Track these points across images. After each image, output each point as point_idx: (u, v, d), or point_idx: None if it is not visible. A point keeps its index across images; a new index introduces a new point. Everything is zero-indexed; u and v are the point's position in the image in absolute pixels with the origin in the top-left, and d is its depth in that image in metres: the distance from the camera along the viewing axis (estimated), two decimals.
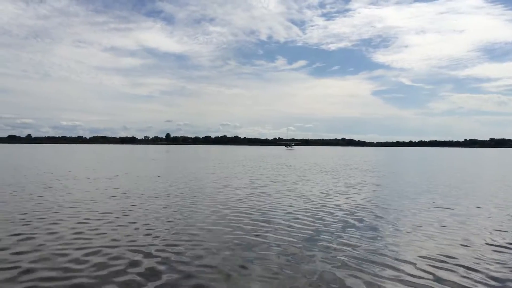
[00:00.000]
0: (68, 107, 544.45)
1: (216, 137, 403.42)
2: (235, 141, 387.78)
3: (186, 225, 12.73)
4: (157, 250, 9.72)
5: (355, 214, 15.09)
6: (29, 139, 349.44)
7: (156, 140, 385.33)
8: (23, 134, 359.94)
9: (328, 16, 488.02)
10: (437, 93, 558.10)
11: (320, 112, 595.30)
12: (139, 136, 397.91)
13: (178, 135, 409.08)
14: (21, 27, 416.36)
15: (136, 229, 12.07)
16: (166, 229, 12.10)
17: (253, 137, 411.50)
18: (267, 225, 12.90)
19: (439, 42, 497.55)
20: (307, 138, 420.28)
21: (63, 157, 69.76)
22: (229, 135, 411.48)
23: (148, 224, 12.73)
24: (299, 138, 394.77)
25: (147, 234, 11.38)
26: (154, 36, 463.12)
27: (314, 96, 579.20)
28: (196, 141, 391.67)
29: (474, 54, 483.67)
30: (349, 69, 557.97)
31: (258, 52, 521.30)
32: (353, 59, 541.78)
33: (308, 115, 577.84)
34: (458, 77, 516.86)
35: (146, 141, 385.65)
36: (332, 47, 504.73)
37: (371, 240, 10.98)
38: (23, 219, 13.36)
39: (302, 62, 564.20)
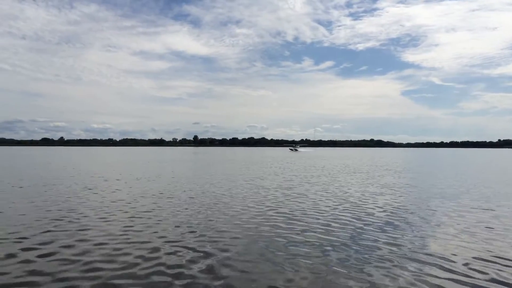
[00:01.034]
0: (99, 110, 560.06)
1: (243, 138, 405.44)
2: (262, 142, 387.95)
3: (225, 223, 13.05)
4: (201, 246, 10.07)
5: (396, 214, 14.99)
6: (61, 142, 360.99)
7: (184, 142, 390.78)
8: (56, 137, 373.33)
9: (355, 16, 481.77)
10: (469, 92, 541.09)
11: (348, 113, 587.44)
12: (168, 138, 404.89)
13: (206, 137, 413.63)
14: (53, 33, 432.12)
15: (177, 226, 12.48)
16: (208, 227, 12.45)
17: (280, 139, 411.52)
18: (307, 224, 13.05)
19: (471, 40, 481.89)
20: (334, 139, 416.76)
21: (98, 159, 71.82)
22: (256, 136, 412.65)
23: (191, 223, 13.13)
24: (326, 139, 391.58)
25: (191, 232, 11.76)
26: (181, 39, 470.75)
27: (342, 97, 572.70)
28: (223, 143, 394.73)
29: (507, 52, 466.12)
30: (377, 69, 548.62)
31: (284, 53, 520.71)
32: (381, 59, 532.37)
33: (335, 116, 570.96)
34: (491, 75, 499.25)
35: (174, 143, 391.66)
36: (360, 47, 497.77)
37: (418, 240, 10.94)
38: (77, 218, 14.05)
39: (329, 63, 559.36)
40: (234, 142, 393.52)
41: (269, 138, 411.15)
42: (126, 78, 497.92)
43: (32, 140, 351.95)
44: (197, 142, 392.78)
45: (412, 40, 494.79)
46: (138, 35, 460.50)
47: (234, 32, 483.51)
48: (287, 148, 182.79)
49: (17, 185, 24.39)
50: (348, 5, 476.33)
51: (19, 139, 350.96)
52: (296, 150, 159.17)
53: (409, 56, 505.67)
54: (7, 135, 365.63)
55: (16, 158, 72.40)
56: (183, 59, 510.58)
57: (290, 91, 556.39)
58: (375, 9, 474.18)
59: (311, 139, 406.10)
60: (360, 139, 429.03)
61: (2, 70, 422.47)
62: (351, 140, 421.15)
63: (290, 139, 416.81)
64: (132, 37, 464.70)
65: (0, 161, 60.43)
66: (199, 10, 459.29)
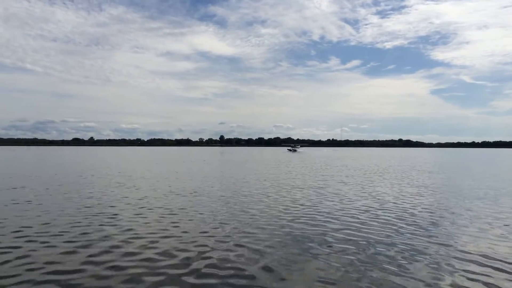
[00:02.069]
0: (127, 111, 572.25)
1: (269, 138, 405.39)
2: (288, 142, 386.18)
3: (267, 222, 13.25)
4: (248, 243, 10.31)
5: (437, 214, 14.81)
6: (91, 142, 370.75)
7: (210, 142, 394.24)
8: (86, 137, 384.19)
9: (382, 14, 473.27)
10: (501, 91, 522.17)
11: (376, 112, 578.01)
12: (194, 138, 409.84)
13: (232, 136, 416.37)
14: (83, 35, 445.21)
15: (222, 223, 12.76)
16: (251, 225, 12.70)
17: (306, 138, 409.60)
18: (348, 223, 13.08)
19: (503, 38, 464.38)
20: (362, 139, 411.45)
21: (128, 158, 73.62)
22: (282, 136, 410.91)
23: (225, 222, 13.40)
24: (353, 139, 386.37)
25: (238, 230, 12.03)
26: (207, 39, 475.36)
27: (369, 96, 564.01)
28: (249, 142, 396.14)
29: None
30: (405, 67, 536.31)
31: (310, 53, 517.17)
32: (409, 57, 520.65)
33: (363, 116, 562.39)
34: None
35: (200, 143, 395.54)
36: (387, 45, 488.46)
37: (464, 240, 10.83)
38: (115, 214, 14.58)
39: (356, 62, 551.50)
40: (260, 142, 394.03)
41: (295, 138, 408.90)
42: (153, 79, 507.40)
43: (63, 140, 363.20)
44: (223, 142, 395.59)
45: (442, 37, 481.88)
46: (165, 36, 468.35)
47: (260, 32, 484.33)
48: (285, 148, 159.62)
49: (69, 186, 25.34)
50: (376, 3, 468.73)
51: (50, 139, 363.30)
52: (295, 150, 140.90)
53: (439, 54, 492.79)
54: (40, 135, 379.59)
55: (67, 158, 75.00)
56: (209, 59, 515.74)
57: (316, 91, 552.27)
58: (403, 7, 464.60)
59: (338, 139, 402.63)
60: (388, 139, 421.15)
61: (34, 72, 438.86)
62: (378, 140, 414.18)
63: (316, 139, 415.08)
64: (159, 38, 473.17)
65: (63, 161, 62.71)
66: (225, 11, 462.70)
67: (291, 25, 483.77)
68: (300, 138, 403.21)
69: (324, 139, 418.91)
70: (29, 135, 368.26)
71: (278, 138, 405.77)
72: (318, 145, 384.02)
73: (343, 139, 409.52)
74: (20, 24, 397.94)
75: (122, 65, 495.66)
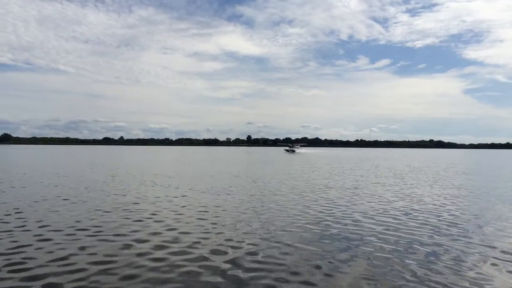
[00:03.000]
0: (156, 111, 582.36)
1: (296, 138, 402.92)
2: (316, 142, 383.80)
3: (301, 220, 13.50)
4: (276, 242, 10.58)
5: (475, 215, 14.67)
6: (121, 141, 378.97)
7: (237, 142, 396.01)
8: (116, 136, 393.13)
9: (413, 12, 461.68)
10: None
11: (406, 112, 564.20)
12: (221, 138, 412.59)
13: (259, 137, 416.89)
14: (113, 37, 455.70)
15: (260, 226, 13.10)
16: (287, 222, 12.98)
17: (334, 139, 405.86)
18: (383, 223, 13.16)
19: None
20: (391, 139, 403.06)
21: (158, 158, 75.13)
22: (309, 136, 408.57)
23: (267, 221, 13.72)
24: (383, 140, 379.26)
25: (281, 230, 12.34)
26: (235, 40, 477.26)
27: (399, 96, 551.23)
28: (276, 142, 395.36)
29: None
30: (436, 66, 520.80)
31: (338, 52, 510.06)
32: (441, 56, 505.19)
33: (392, 116, 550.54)
34: None
35: (228, 142, 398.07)
36: (418, 44, 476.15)
37: (507, 242, 10.75)
38: (155, 211, 15.17)
39: (385, 61, 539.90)
40: (287, 142, 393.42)
41: (322, 138, 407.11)
42: (181, 79, 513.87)
43: (94, 140, 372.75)
44: (250, 142, 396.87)
45: (475, 36, 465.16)
46: (193, 37, 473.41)
47: (287, 32, 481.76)
48: (283, 149, 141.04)
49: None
50: (406, 1, 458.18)
51: (82, 138, 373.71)
52: (293, 151, 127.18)
53: (471, 52, 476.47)
54: (72, 135, 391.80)
55: (110, 157, 77.48)
56: (237, 59, 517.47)
57: (344, 91, 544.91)
58: (434, 5, 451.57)
59: (366, 140, 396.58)
60: (418, 139, 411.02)
61: (67, 73, 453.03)
62: (409, 141, 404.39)
63: (344, 139, 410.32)
64: (186, 39, 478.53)
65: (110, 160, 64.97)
66: (252, 11, 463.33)
67: (319, 25, 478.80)
68: (328, 138, 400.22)
69: (352, 139, 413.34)
70: (62, 134, 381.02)
71: (305, 138, 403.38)
72: (346, 145, 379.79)
73: (372, 139, 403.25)
74: (53, 26, 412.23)
75: (151, 66, 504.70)
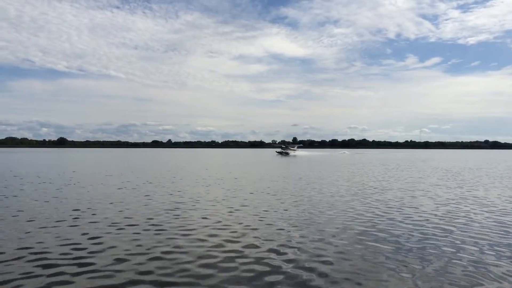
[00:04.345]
0: (203, 114, 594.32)
1: (343, 140, 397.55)
2: (363, 144, 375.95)
3: (363, 224, 13.40)
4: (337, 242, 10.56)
5: None
6: (169, 144, 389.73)
7: (283, 144, 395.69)
8: (164, 139, 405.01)
9: (464, 8, 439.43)
10: None
11: (458, 112, 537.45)
12: (267, 140, 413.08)
13: (305, 138, 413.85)
14: (161, 42, 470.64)
15: (318, 228, 13.15)
16: (345, 224, 12.95)
17: (382, 140, 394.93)
18: (445, 227, 12.80)
19: None
20: (443, 140, 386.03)
21: (207, 160, 76.78)
22: (356, 138, 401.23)
23: (324, 221, 13.75)
24: (434, 141, 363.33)
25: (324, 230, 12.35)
26: (279, 41, 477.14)
27: (451, 95, 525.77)
28: (322, 144, 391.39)
29: None
30: (491, 64, 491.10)
31: (386, 51, 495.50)
32: (495, 53, 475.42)
33: (444, 116, 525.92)
34: None
35: (273, 145, 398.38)
36: (470, 41, 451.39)
37: None
38: (212, 206, 15.60)
39: (435, 59, 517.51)
40: (333, 144, 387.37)
41: (370, 139, 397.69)
42: (227, 82, 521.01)
43: (143, 142, 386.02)
44: (296, 144, 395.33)
45: None
46: (237, 40, 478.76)
47: (332, 32, 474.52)
48: (292, 151, 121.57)
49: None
50: None
51: (132, 142, 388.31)
52: (287, 153, 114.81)
53: None
54: (123, 138, 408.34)
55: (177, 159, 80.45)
56: (281, 61, 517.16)
57: (392, 91, 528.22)
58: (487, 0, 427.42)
59: (417, 141, 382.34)
60: (472, 140, 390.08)
61: (117, 79, 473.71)
62: (462, 142, 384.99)
63: (393, 140, 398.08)
64: (231, 42, 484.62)
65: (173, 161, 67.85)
66: (297, 12, 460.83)
67: (365, 24, 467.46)
68: (376, 139, 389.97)
69: (401, 140, 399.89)
70: (114, 138, 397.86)
71: (352, 139, 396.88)
72: (395, 147, 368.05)
73: (422, 140, 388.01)
74: (104, 34, 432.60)
75: (197, 70, 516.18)
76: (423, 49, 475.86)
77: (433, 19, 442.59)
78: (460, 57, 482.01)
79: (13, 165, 51.22)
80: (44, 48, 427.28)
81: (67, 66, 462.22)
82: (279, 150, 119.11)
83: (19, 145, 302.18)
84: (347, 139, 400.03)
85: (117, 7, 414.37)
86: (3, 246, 10.00)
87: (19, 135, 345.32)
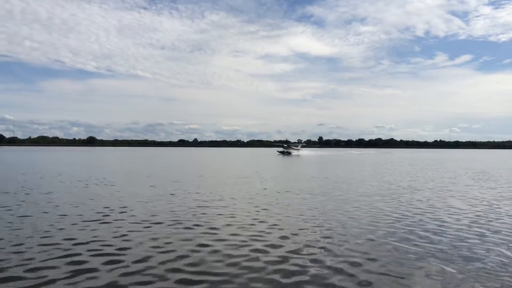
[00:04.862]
0: (228, 113, 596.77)
1: (370, 139, 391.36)
2: (391, 143, 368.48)
3: (406, 229, 13.12)
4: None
5: None
6: (195, 143, 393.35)
7: (309, 143, 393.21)
8: (190, 138, 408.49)
9: (496, 4, 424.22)
10: None
11: (490, 111, 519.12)
12: (293, 139, 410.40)
13: (331, 138, 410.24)
14: (187, 42, 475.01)
15: (367, 229, 12.96)
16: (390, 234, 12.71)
17: (410, 140, 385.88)
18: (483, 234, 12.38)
19: None
20: (474, 140, 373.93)
21: (234, 159, 77.17)
22: (383, 137, 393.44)
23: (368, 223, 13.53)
24: (464, 140, 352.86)
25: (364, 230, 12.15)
26: (305, 40, 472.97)
27: (482, 93, 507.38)
28: (349, 144, 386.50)
29: None
30: None
31: (414, 49, 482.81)
32: None
33: (475, 115, 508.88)
34: None
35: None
36: (503, 38, 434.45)
37: None
38: (259, 206, 15.65)
39: (466, 57, 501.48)
40: (360, 143, 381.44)
41: (398, 139, 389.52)
42: (252, 81, 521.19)
43: (170, 142, 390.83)
44: (322, 143, 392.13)
45: None
46: (263, 39, 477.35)
47: (359, 30, 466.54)
48: (295, 151, 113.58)
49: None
50: None
51: (159, 141, 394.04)
52: (289, 153, 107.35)
53: None
54: (150, 137, 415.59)
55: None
56: (307, 60, 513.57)
57: (421, 89, 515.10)
58: None
59: (446, 140, 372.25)
60: (504, 139, 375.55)
61: (145, 79, 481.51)
62: (493, 141, 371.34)
63: (421, 140, 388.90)
64: (256, 41, 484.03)
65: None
66: (322, 10, 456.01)
67: (393, 21, 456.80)
68: (404, 139, 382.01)
69: (430, 140, 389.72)
70: (141, 137, 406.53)
71: (379, 139, 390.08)
72: (424, 146, 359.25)
73: (452, 140, 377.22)
74: (131, 34, 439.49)
75: (223, 69, 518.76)
76: (453, 46, 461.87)
77: (463, 16, 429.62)
78: (492, 54, 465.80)
79: (47, 162, 53.05)
80: (74, 49, 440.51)
81: (96, 66, 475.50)
82: (280, 149, 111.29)
83: (50, 143, 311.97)
84: (374, 139, 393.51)
85: (145, 8, 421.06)
86: (34, 241, 10.35)
87: (50, 134, 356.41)
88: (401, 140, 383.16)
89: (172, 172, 37.83)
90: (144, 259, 8.91)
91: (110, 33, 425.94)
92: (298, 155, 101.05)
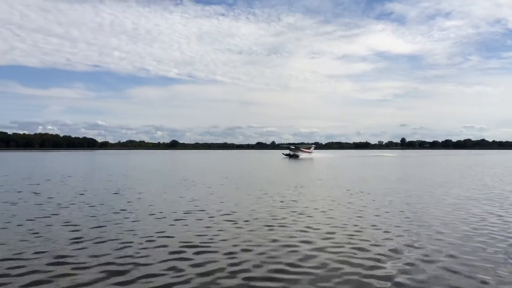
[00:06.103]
0: (306, 115, 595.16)
1: (458, 141, 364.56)
2: (482, 145, 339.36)
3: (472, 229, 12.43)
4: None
5: None
6: (273, 146, 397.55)
7: (390, 145, 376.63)
8: (268, 141, 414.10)
9: None
10: None
11: None
12: (373, 141, 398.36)
13: (414, 139, 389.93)
14: (263, 45, 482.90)
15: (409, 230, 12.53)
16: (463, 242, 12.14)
17: (504, 140, 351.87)
18: None
19: None
20: None
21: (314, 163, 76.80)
22: (473, 138, 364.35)
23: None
24: None
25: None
26: (384, 38, 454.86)
27: None
28: (434, 145, 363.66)
29: None
30: None
31: (506, 43, 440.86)
32: None
33: None
34: None
35: (380, 146, 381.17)
36: None
37: None
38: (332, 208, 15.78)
39: None
40: (447, 145, 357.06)
41: (490, 139, 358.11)
42: (330, 82, 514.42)
43: (248, 144, 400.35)
44: (404, 145, 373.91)
45: None
46: (340, 39, 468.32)
47: (444, 26, 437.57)
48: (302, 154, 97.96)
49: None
50: None
51: (238, 143, 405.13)
52: (296, 156, 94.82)
53: None
54: (229, 140, 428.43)
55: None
56: (387, 59, 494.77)
57: None
58: None
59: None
60: None
61: (224, 83, 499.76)
62: None
63: None
64: (333, 42, 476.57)
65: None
66: (403, 7, 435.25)
67: (481, 14, 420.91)
68: (497, 140, 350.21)
69: None
70: (221, 140, 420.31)
71: (469, 140, 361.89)
72: None
73: None
74: (211, 41, 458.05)
75: (299, 71, 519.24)
76: None
77: None
78: None
79: (141, 164, 57.65)
80: (158, 57, 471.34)
81: (178, 73, 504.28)
82: (286, 152, 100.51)
83: (137, 147, 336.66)
84: (462, 140, 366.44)
85: (223, 15, 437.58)
86: (130, 238, 11.56)
87: (137, 138, 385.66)
88: (493, 141, 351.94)
89: (253, 173, 38.88)
90: (227, 256, 9.57)
91: (190, 41, 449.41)
92: (311, 158, 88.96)
